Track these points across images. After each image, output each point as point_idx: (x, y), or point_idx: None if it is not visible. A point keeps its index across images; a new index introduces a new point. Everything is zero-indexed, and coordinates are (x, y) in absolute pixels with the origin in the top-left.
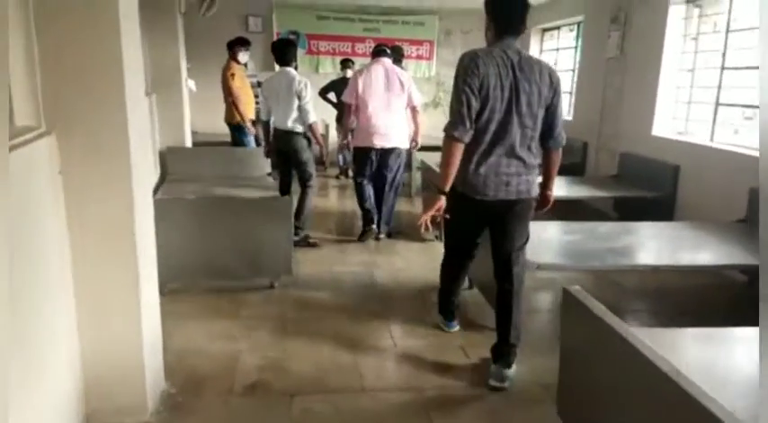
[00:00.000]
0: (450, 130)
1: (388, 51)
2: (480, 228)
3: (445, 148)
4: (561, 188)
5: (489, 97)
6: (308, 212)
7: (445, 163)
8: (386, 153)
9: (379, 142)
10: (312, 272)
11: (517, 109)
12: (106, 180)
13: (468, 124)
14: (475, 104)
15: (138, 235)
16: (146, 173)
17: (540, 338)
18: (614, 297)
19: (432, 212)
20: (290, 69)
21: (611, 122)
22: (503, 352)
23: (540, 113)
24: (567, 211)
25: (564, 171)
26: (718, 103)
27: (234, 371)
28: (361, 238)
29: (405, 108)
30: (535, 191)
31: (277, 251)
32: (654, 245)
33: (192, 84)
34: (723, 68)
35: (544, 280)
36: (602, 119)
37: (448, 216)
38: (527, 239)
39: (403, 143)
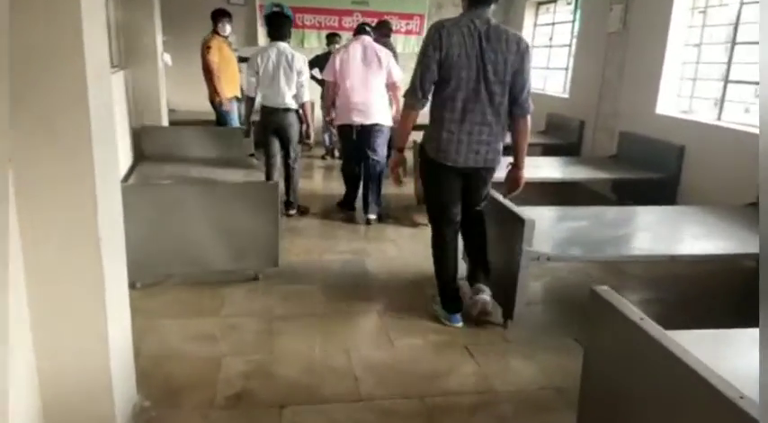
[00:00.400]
0: (406, 98)
1: (368, 29)
2: (455, 192)
3: (401, 114)
4: (556, 169)
5: (454, 67)
6: (296, 184)
7: (400, 126)
8: (366, 130)
9: (358, 119)
10: (300, 261)
11: (485, 77)
12: (64, 168)
13: (419, 94)
14: (430, 76)
15: (102, 229)
16: (112, 158)
17: (546, 334)
18: (621, 286)
19: (393, 167)
20: (286, 44)
21: (610, 100)
22: (479, 277)
23: (508, 81)
24: (565, 192)
25: (559, 151)
26: (727, 80)
27: (215, 378)
28: (340, 206)
29: (384, 85)
30: (499, 160)
31: (262, 240)
32: (665, 232)
33: (167, 58)
34: (734, 43)
35: (544, 268)
36: (601, 97)
37: (402, 169)
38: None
39: (385, 120)
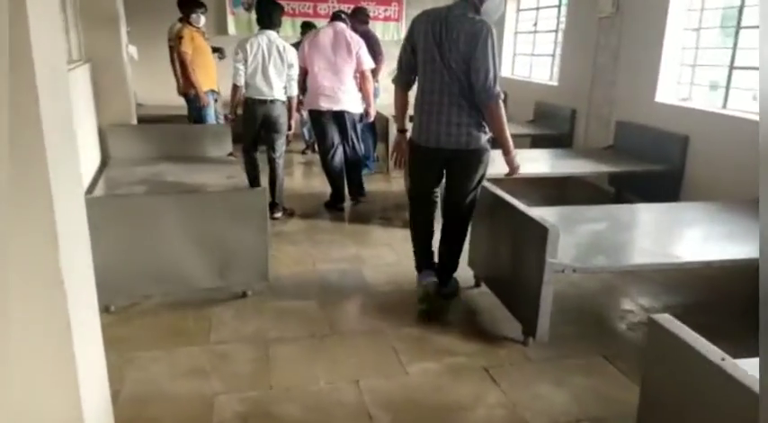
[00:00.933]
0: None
1: (344, 17)
2: (429, 175)
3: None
4: (550, 162)
5: (419, 54)
6: (281, 183)
7: (394, 104)
8: (337, 117)
9: (326, 104)
10: (291, 273)
11: (445, 64)
12: (13, 183)
13: (401, 75)
14: (406, 60)
15: (63, 253)
16: (72, 168)
17: (570, 350)
18: (641, 292)
19: (394, 149)
20: (276, 34)
21: (604, 88)
22: (439, 275)
23: (464, 67)
24: (560, 185)
25: (550, 142)
26: (732, 66)
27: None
28: (328, 209)
29: (354, 72)
30: (477, 143)
31: (250, 252)
32: (692, 233)
33: (133, 50)
34: (739, 27)
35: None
36: (594, 84)
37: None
38: (476, 185)
39: (354, 107)
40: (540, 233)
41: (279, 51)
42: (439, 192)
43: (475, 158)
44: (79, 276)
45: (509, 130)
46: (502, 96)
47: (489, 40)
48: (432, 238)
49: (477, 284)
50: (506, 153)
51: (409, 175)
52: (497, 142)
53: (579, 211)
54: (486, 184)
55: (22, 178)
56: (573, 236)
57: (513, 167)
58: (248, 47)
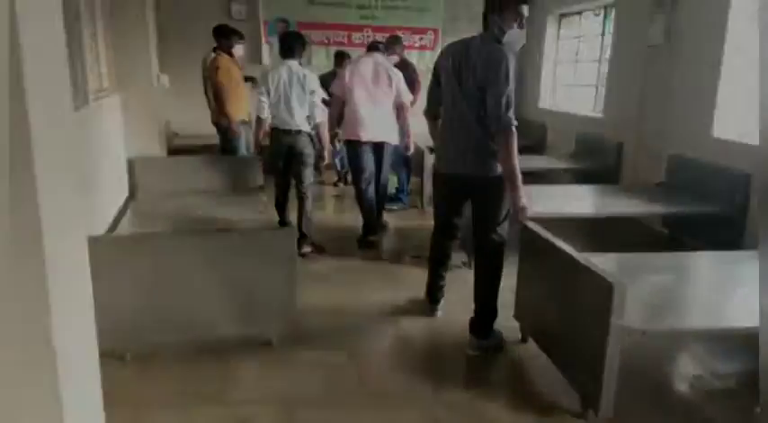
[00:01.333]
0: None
1: (381, 47)
2: (449, 200)
3: None
4: (591, 199)
5: (442, 83)
6: (310, 217)
7: (430, 135)
8: (376, 148)
9: (366, 135)
10: (320, 319)
11: (465, 92)
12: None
13: (429, 106)
14: (433, 92)
15: (55, 313)
16: (71, 208)
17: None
18: (712, 353)
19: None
20: (297, 63)
21: (654, 120)
22: (477, 324)
23: (479, 95)
24: (607, 226)
25: (593, 177)
26: None
27: None
28: (360, 245)
29: (393, 105)
30: (493, 171)
31: (276, 296)
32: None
33: (165, 79)
34: None
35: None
36: (642, 116)
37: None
38: (502, 220)
39: (391, 138)
40: (602, 289)
41: (299, 80)
42: (461, 224)
43: (493, 187)
44: (75, 331)
45: (545, 164)
46: (515, 123)
47: (503, 67)
48: (442, 267)
49: (524, 339)
50: (512, 189)
51: (434, 202)
52: (504, 175)
53: (639, 259)
54: (531, 224)
55: (9, 221)
56: (637, 289)
57: (517, 208)
58: (269, 79)
